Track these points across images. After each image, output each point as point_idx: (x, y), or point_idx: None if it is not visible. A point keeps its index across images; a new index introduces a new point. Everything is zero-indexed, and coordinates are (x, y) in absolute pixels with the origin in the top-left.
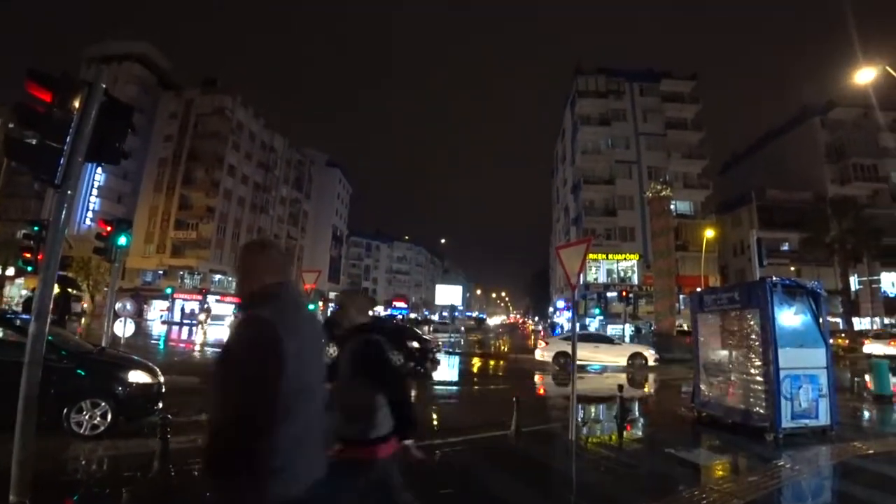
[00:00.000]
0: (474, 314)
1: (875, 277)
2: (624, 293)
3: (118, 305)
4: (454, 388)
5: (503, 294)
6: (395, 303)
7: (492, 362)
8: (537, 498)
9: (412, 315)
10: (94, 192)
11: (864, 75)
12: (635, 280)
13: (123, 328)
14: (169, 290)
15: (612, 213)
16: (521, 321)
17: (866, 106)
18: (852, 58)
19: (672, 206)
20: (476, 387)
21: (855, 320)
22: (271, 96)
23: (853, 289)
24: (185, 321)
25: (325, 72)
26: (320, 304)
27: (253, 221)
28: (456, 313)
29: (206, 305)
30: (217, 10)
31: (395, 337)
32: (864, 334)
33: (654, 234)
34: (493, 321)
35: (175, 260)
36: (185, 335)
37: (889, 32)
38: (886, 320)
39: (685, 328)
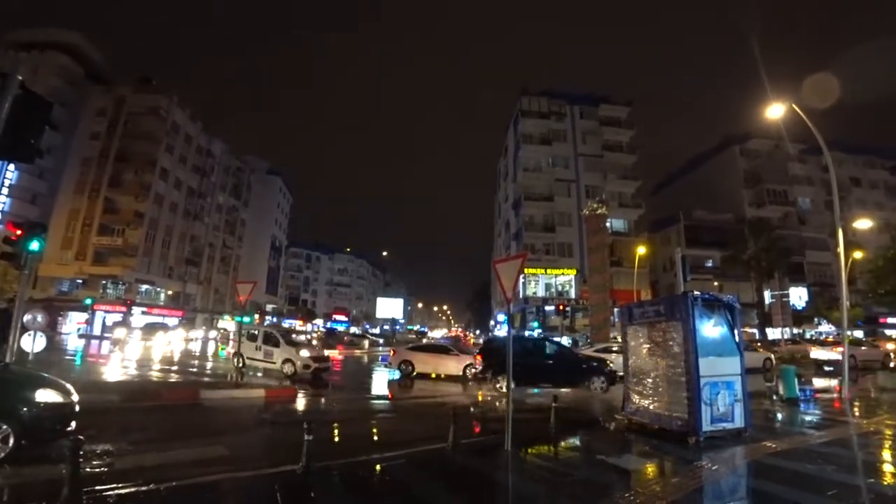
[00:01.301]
0: (416, 327)
1: (785, 292)
2: (561, 307)
3: (27, 317)
4: (393, 401)
5: (445, 308)
6: (335, 316)
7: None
8: None
9: (353, 329)
10: (4, 190)
11: (774, 111)
12: (573, 294)
13: (33, 342)
14: (88, 301)
15: (551, 229)
16: (463, 335)
17: (778, 138)
18: (767, 94)
19: (608, 224)
20: (415, 400)
21: (768, 331)
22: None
23: (766, 302)
24: (106, 335)
25: (273, 80)
26: (256, 316)
27: (186, 229)
28: (397, 327)
29: (129, 319)
30: (172, 10)
31: None
32: (776, 343)
33: (591, 250)
34: (435, 335)
35: (97, 268)
36: (105, 350)
37: (799, 73)
38: (795, 330)
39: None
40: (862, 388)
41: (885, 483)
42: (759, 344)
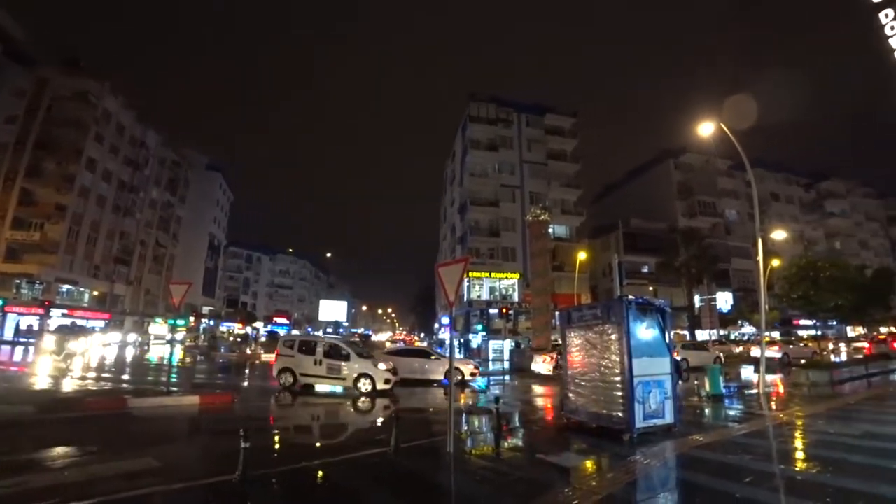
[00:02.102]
0: (359, 330)
1: (713, 296)
2: (504, 310)
3: None
4: (336, 406)
5: (390, 310)
6: (276, 319)
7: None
8: None
9: (294, 331)
10: None
11: (705, 129)
12: (516, 298)
13: None
14: None
15: (496, 233)
16: (408, 338)
17: (709, 153)
18: (701, 110)
19: (550, 230)
20: (358, 403)
21: (698, 332)
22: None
23: (696, 305)
24: (20, 339)
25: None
26: (191, 319)
27: (115, 224)
28: (341, 329)
29: (45, 322)
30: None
31: None
32: (704, 343)
33: (534, 255)
34: (379, 337)
35: (10, 265)
36: (19, 356)
37: (728, 94)
38: (721, 332)
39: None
40: (791, 381)
41: (795, 469)
42: (712, 343)
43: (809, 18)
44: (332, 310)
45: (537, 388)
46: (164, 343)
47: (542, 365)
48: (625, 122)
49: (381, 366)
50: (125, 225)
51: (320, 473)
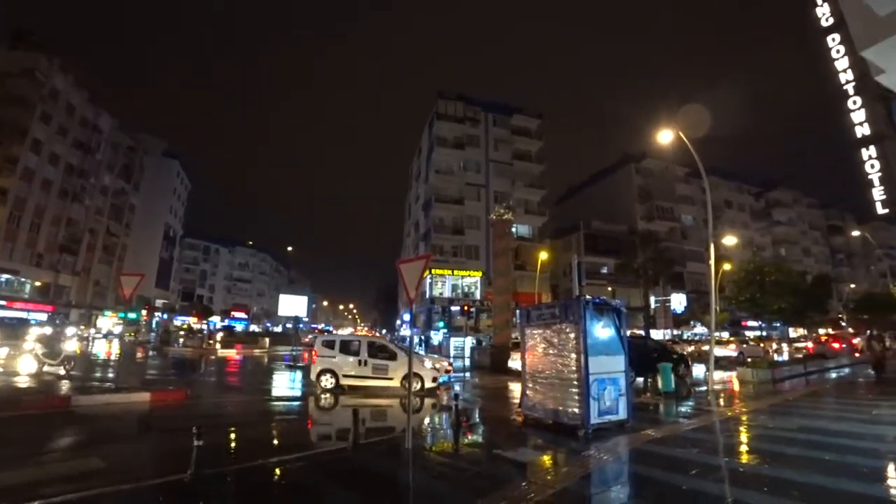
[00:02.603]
0: (320, 326)
1: (667, 298)
2: (466, 307)
3: None
4: (294, 403)
5: (351, 306)
6: (233, 313)
7: None
8: None
9: (253, 327)
10: None
11: (664, 136)
12: (478, 295)
13: None
14: None
15: (460, 231)
16: (370, 334)
17: (669, 160)
18: (661, 118)
19: (514, 229)
20: (320, 402)
21: (652, 332)
22: (104, 68)
23: (652, 306)
24: None
25: (180, 57)
26: (143, 312)
27: (61, 211)
28: (301, 325)
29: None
30: None
31: None
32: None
33: (496, 253)
34: (341, 333)
35: None
36: None
37: (688, 103)
38: (675, 331)
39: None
40: (738, 379)
41: (738, 461)
42: (672, 343)
43: (764, 37)
44: (292, 304)
45: (500, 385)
46: (101, 337)
47: (519, 362)
48: (589, 126)
49: (428, 363)
50: (73, 211)
51: (276, 471)
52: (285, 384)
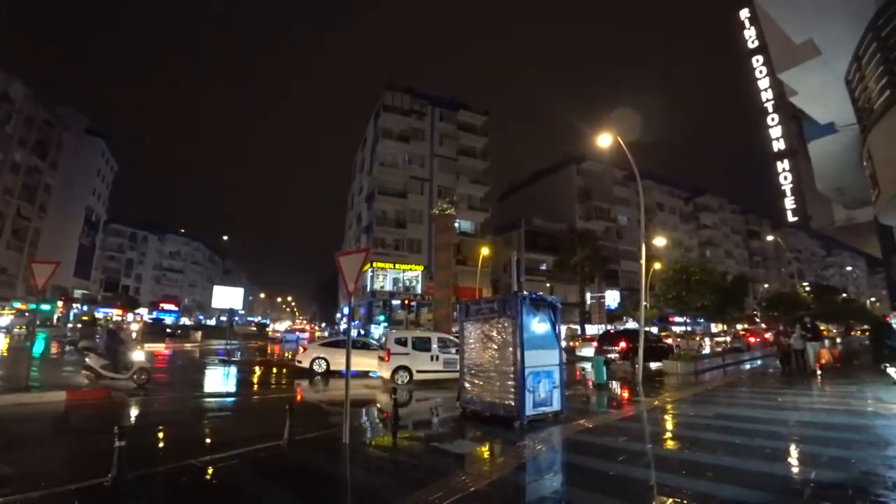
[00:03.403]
0: (256, 319)
1: (602, 294)
2: (407, 301)
3: None
4: (228, 399)
5: (290, 299)
6: (163, 305)
7: (274, 370)
8: None
9: (184, 320)
10: None
11: (603, 140)
12: (419, 290)
13: None
14: None
15: (402, 225)
16: (309, 327)
17: (608, 163)
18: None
19: (456, 224)
20: (256, 397)
21: (588, 327)
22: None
23: (588, 302)
24: None
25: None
26: (59, 304)
27: None
28: (236, 318)
29: None
30: None
31: None
32: (594, 337)
33: (438, 248)
34: (279, 327)
35: None
36: None
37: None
38: (609, 327)
39: None
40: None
41: (661, 447)
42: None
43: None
44: (227, 296)
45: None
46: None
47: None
48: (532, 127)
49: None
50: None
51: (206, 470)
52: (219, 380)
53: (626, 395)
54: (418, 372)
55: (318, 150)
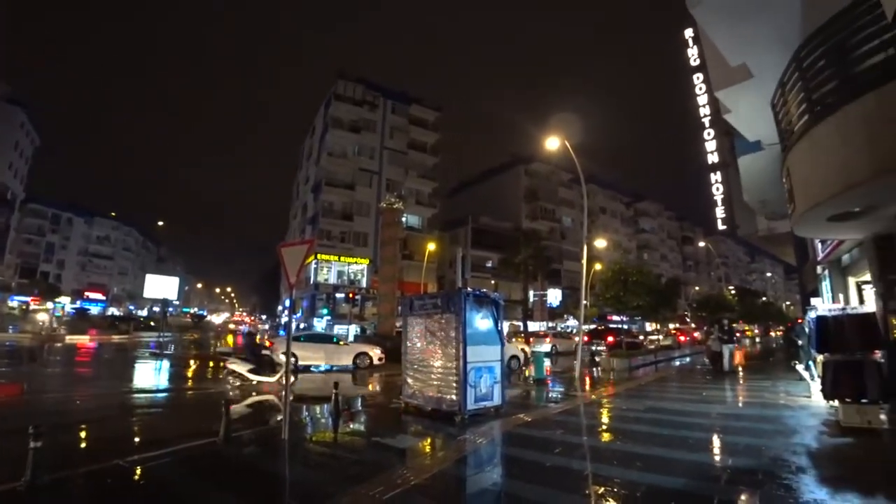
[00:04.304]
0: (193, 310)
1: (544, 293)
2: (351, 294)
3: None
4: (160, 395)
5: (229, 290)
6: (88, 293)
7: (210, 364)
8: None
9: (112, 310)
10: None
11: (551, 143)
12: (364, 283)
13: None
14: None
15: (349, 217)
16: (250, 319)
17: (555, 165)
18: (553, 126)
19: (403, 219)
20: (189, 392)
21: (530, 324)
22: None
23: (531, 300)
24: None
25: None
26: None
27: None
28: (171, 309)
29: None
30: None
31: None
32: (535, 333)
33: (385, 242)
34: (217, 319)
35: None
36: None
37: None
38: (550, 324)
39: None
40: (602, 367)
41: (596, 439)
42: (551, 335)
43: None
44: (161, 286)
45: (384, 374)
46: None
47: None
48: (484, 126)
49: (517, 346)
50: None
51: (133, 471)
52: (150, 374)
53: (565, 389)
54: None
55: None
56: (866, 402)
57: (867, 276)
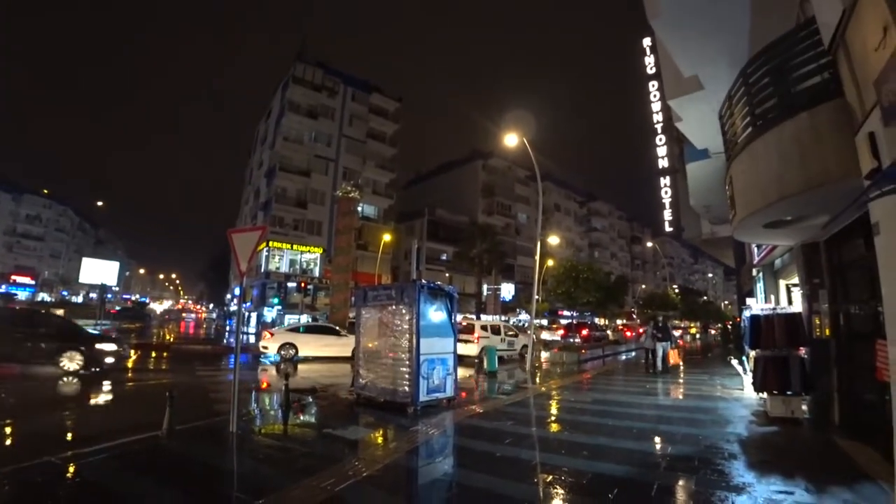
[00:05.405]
0: (134, 297)
1: (498, 287)
2: (303, 284)
3: None
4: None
5: (174, 276)
6: (14, 278)
7: (153, 353)
8: (192, 500)
9: (42, 295)
10: None
11: (510, 140)
12: (317, 272)
13: None
14: None
15: (303, 204)
16: (195, 308)
17: (512, 162)
18: (511, 123)
19: (359, 209)
20: (130, 384)
21: (483, 317)
22: None
23: (484, 294)
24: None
25: None
26: None
27: None
28: (109, 295)
29: None
30: None
31: None
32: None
33: (339, 231)
34: (160, 307)
35: None
36: None
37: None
38: (503, 318)
39: None
40: (551, 361)
41: (544, 430)
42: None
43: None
44: (99, 270)
45: (335, 364)
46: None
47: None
48: (444, 120)
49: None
50: None
51: (66, 468)
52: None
53: (516, 382)
54: (497, 350)
55: (216, 117)
56: (791, 394)
57: (795, 280)
